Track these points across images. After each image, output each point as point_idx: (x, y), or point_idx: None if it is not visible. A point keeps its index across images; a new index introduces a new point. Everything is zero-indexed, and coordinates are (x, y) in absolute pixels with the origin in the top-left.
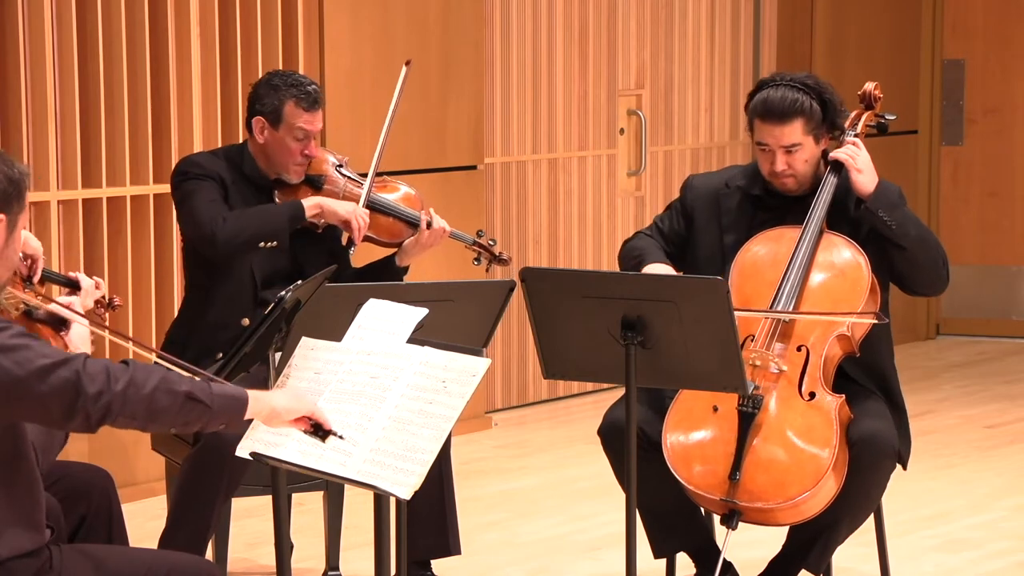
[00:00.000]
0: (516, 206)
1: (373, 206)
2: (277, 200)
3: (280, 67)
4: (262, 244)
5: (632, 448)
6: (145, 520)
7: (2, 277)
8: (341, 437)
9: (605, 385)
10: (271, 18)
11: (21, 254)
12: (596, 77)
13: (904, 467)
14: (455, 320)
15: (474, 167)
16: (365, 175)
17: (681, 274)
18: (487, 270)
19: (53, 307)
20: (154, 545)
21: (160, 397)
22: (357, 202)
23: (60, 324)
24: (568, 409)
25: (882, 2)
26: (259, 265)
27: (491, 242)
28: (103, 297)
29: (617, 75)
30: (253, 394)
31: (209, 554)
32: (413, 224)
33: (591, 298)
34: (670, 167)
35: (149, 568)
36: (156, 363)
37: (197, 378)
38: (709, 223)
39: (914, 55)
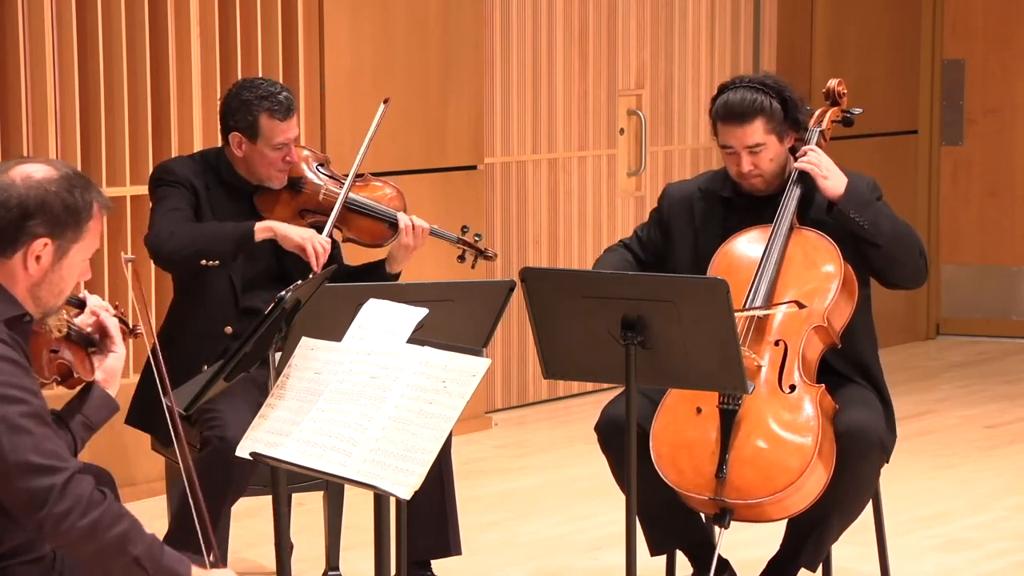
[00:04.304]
0: (516, 206)
1: (352, 207)
2: (257, 206)
3: (280, 67)
4: (204, 262)
5: (632, 449)
6: (145, 520)
7: (48, 303)
8: None
9: (605, 385)
10: (271, 18)
11: None
12: (596, 77)
13: (887, 460)
14: (455, 320)
15: (474, 167)
16: (346, 175)
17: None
18: (472, 266)
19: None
20: None
21: (111, 550)
22: (334, 205)
23: (88, 343)
24: (568, 409)
25: (882, 2)
26: (237, 271)
27: (476, 237)
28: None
29: (617, 75)
30: (196, 573)
31: None
32: (394, 225)
33: (591, 298)
34: (670, 167)
35: None
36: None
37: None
38: (685, 229)
39: (914, 55)
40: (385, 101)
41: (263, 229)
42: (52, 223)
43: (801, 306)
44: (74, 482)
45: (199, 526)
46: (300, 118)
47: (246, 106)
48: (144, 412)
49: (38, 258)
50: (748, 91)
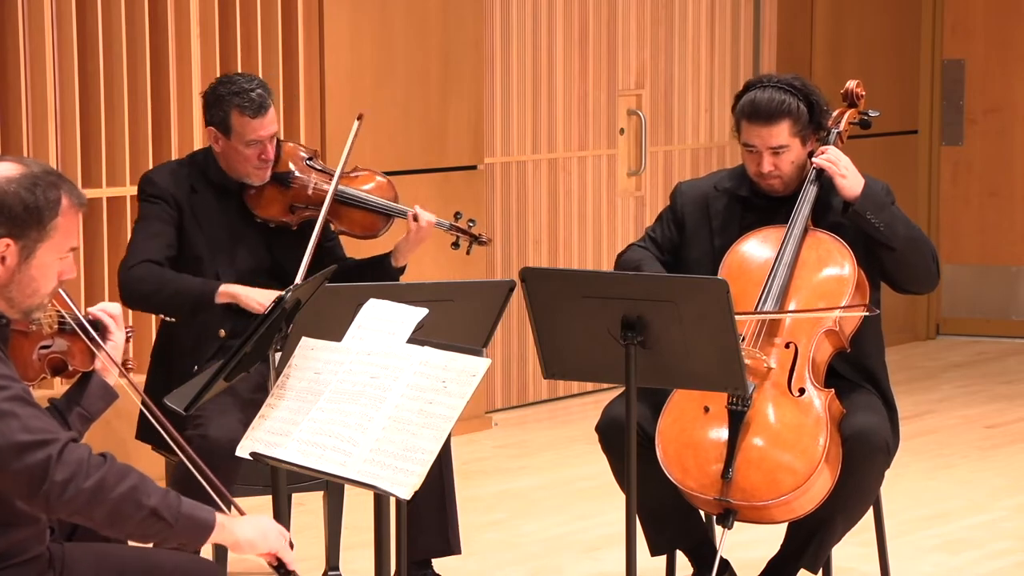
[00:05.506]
0: (516, 206)
1: (343, 200)
2: (247, 204)
3: (280, 66)
4: (162, 316)
5: (632, 449)
6: None
7: (23, 303)
8: None
9: (605, 385)
10: (271, 18)
11: None
12: (596, 77)
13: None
14: (455, 320)
15: (474, 167)
16: (335, 168)
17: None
18: (468, 252)
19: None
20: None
21: (124, 506)
22: (324, 199)
23: (85, 331)
24: (568, 409)
25: (882, 2)
26: (228, 274)
27: (470, 223)
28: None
29: (617, 75)
30: (220, 521)
31: (209, 553)
32: (386, 215)
33: (591, 298)
34: (670, 167)
35: (150, 566)
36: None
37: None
38: (700, 227)
39: (914, 55)
40: (359, 117)
41: (224, 294)
42: (11, 223)
43: (871, 310)
44: (69, 449)
45: (210, 487)
46: (283, 114)
47: (219, 101)
48: (153, 428)
49: (2, 259)
50: (776, 91)
